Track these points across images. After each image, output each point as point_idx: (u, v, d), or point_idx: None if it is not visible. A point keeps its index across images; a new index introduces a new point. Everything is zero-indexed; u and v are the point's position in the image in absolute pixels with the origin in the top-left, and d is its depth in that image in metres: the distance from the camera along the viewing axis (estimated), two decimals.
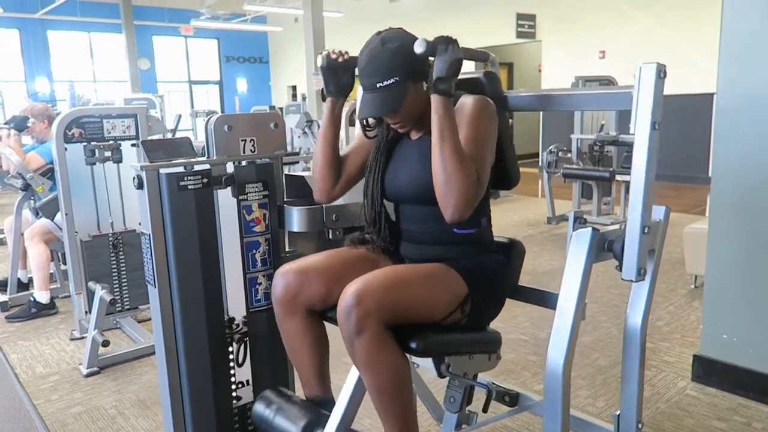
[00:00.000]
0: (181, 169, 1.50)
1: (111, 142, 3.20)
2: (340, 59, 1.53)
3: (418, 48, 1.31)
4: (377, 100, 1.40)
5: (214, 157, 1.56)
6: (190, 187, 1.48)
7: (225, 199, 1.61)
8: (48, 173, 3.63)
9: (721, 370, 2.47)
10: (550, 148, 5.61)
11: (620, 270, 1.28)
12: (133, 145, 3.30)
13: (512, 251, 1.58)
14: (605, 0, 8.84)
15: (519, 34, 9.72)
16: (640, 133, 1.24)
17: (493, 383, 1.63)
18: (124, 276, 3.36)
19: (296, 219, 1.66)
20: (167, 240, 1.49)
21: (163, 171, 1.47)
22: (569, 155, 5.79)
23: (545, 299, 1.52)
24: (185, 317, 1.52)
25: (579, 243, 1.25)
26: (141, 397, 2.58)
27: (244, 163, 1.63)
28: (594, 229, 1.25)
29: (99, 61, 13.58)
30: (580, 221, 1.33)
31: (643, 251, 1.23)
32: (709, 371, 2.51)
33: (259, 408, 1.54)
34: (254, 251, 1.63)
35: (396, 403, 1.35)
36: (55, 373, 2.86)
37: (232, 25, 13.64)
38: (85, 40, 13.39)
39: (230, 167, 1.61)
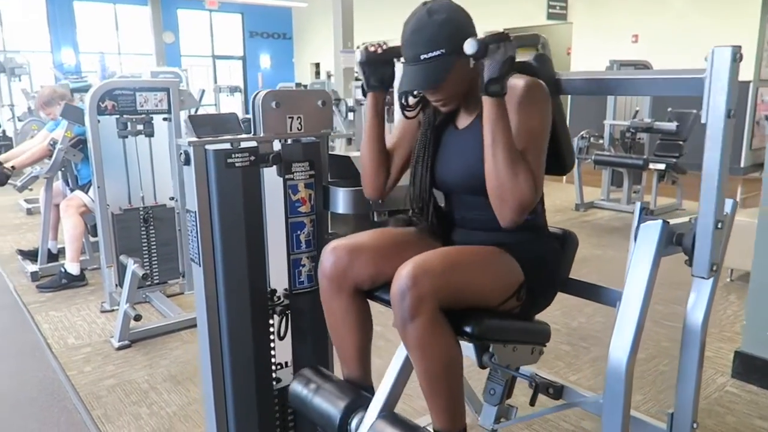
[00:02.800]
0: (227, 145, 1.46)
1: (143, 115, 3.18)
2: (379, 51, 1.46)
3: (469, 49, 1.21)
4: (419, 73, 1.31)
5: (261, 134, 1.51)
6: (237, 164, 1.44)
7: (269, 178, 1.57)
8: (78, 145, 3.62)
9: (763, 368, 2.40)
10: (582, 133, 5.49)
11: (689, 265, 1.22)
12: (165, 119, 3.28)
13: (565, 242, 1.53)
14: None
15: (550, 16, 9.50)
16: (713, 121, 1.17)
17: (536, 374, 1.59)
18: (154, 250, 3.37)
19: (342, 200, 1.62)
20: (213, 218, 1.45)
21: (210, 147, 1.42)
22: (600, 141, 5.66)
23: (601, 295, 1.47)
24: (229, 297, 1.49)
25: (647, 235, 1.19)
26: (172, 372, 2.59)
27: (289, 141, 1.58)
28: (664, 221, 1.19)
29: (124, 34, 13.57)
30: (645, 212, 1.28)
31: (716, 246, 1.17)
32: (751, 368, 2.44)
33: (297, 387, 1.51)
34: (299, 232, 1.59)
35: (445, 388, 1.31)
36: (87, 344, 2.88)
37: None
38: (111, 12, 13.37)
39: (276, 145, 1.56)
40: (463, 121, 1.46)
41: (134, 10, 13.23)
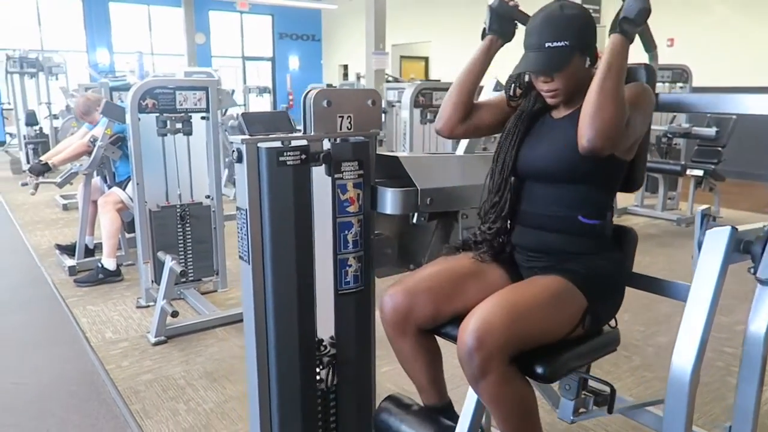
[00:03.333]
0: (278, 143, 1.45)
1: (182, 114, 3.21)
2: (512, 3, 1.55)
3: None
4: (542, 58, 1.38)
5: (312, 133, 1.50)
6: (289, 162, 1.44)
7: (317, 177, 1.56)
8: (117, 142, 3.68)
9: None
10: None
11: (754, 273, 1.18)
12: (203, 117, 3.31)
13: (625, 239, 1.50)
14: None
15: None
16: None
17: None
18: (190, 247, 3.39)
19: (390, 201, 1.60)
20: (263, 216, 1.45)
21: (262, 145, 1.42)
22: None
23: (669, 289, 1.44)
24: (277, 295, 1.48)
25: (714, 242, 1.16)
26: (208, 369, 2.60)
27: (338, 140, 1.57)
28: (733, 228, 1.15)
29: (157, 35, 13.79)
30: (708, 219, 1.24)
31: None
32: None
33: (382, 418, 1.62)
34: (346, 232, 1.58)
35: (525, 427, 1.33)
36: (124, 339, 2.91)
37: (287, 1, 13.63)
38: (145, 13, 13.60)
39: (325, 144, 1.56)
40: (560, 113, 1.50)
41: (167, 11, 13.43)
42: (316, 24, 16.03)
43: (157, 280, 3.26)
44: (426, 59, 14.70)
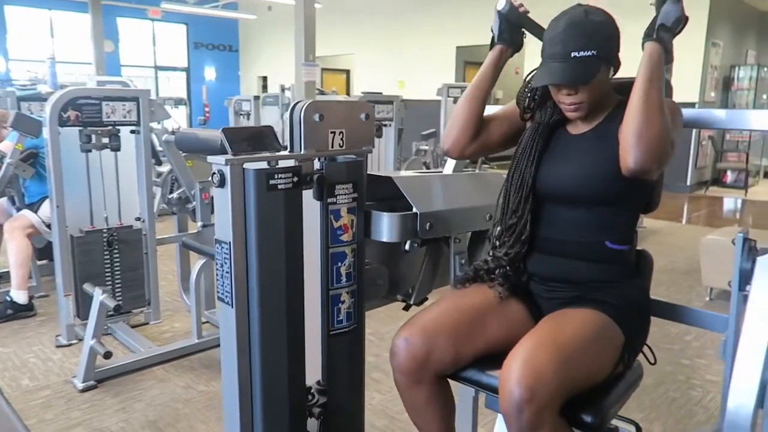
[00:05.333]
0: (264, 164, 1.24)
1: (109, 127, 2.87)
2: (521, 9, 1.44)
3: None
4: (568, 69, 1.25)
5: (302, 151, 1.30)
6: (280, 186, 1.23)
7: (304, 202, 1.36)
8: (29, 159, 3.25)
9: None
10: None
11: None
12: (132, 131, 2.98)
13: (643, 264, 1.40)
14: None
15: None
16: None
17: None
18: (119, 276, 3.04)
19: (387, 227, 1.43)
20: (249, 250, 1.23)
21: (248, 166, 1.20)
22: None
23: (698, 319, 1.36)
24: (265, 345, 1.26)
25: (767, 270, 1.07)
26: (150, 417, 2.29)
27: (328, 159, 1.38)
28: None
29: (59, 42, 12.79)
30: (749, 243, 1.16)
31: None
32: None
33: None
34: (340, 264, 1.38)
35: None
36: (45, 386, 2.52)
37: (202, 9, 13.08)
38: (46, 18, 12.59)
39: (315, 164, 1.36)
40: (578, 128, 1.39)
41: (71, 16, 12.51)
42: (233, 34, 15.54)
43: (81, 314, 2.88)
44: (348, 72, 14.62)
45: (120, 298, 3.03)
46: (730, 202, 8.21)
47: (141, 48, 14.17)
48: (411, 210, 1.48)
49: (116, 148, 2.92)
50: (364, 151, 1.43)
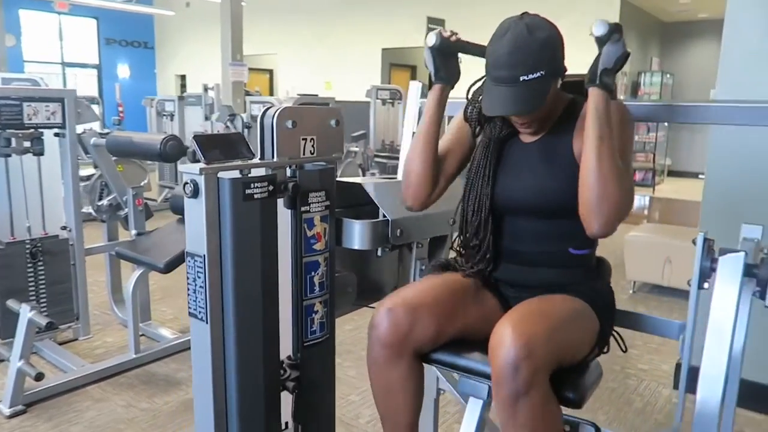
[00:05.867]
0: (236, 173, 1.19)
1: (31, 130, 2.66)
2: (453, 38, 1.35)
3: (597, 30, 1.15)
4: (519, 96, 1.20)
5: (275, 159, 1.26)
6: (256, 195, 1.18)
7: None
8: None
9: None
10: None
11: (761, 297, 1.19)
12: (57, 134, 2.78)
13: (601, 268, 1.45)
14: (510, 10, 9.09)
15: None
16: None
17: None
18: (44, 290, 2.82)
19: (358, 235, 1.41)
20: (224, 263, 1.17)
21: (223, 176, 1.15)
22: None
23: (659, 328, 1.41)
24: (241, 362, 1.21)
25: (730, 269, 1.15)
26: None
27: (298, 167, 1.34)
28: (746, 253, 1.15)
29: None
30: (709, 243, 1.24)
31: None
32: (693, 379, 2.57)
33: None
34: (313, 273, 1.35)
35: None
36: None
37: (114, 4, 12.44)
38: None
39: (286, 172, 1.32)
40: (530, 137, 1.36)
41: None
42: (148, 30, 14.86)
43: (2, 333, 2.66)
44: (271, 72, 14.37)
45: (46, 313, 2.81)
46: (639, 199, 8.77)
47: (46, 43, 13.26)
48: (377, 216, 1.48)
49: (39, 153, 2.71)
50: (334, 158, 1.40)
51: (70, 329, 3.00)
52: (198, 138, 1.15)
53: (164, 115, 6.61)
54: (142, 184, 3.09)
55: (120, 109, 13.20)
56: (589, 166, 1.16)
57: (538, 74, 1.20)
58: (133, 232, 2.89)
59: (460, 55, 1.42)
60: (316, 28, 11.45)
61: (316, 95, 6.10)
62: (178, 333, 3.07)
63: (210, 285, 1.16)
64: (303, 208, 1.31)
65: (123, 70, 14.64)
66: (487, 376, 1.20)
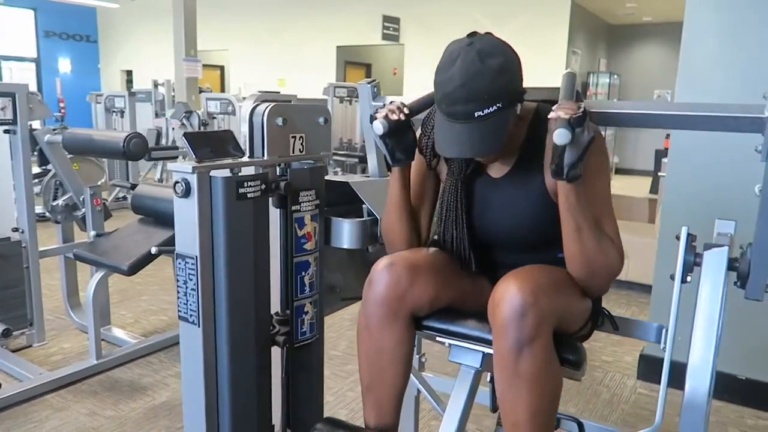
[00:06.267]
0: (227, 171, 1.15)
1: None
2: (402, 117, 1.23)
3: (560, 140, 1.02)
4: (476, 135, 1.11)
5: (266, 157, 1.23)
6: (249, 195, 1.15)
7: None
8: None
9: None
10: None
11: (742, 287, 1.24)
12: (6, 131, 2.64)
13: None
14: (465, 10, 9.22)
15: (384, 36, 9.81)
16: None
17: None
18: None
19: (348, 234, 1.39)
20: (215, 265, 1.14)
21: (216, 174, 1.11)
22: None
23: (637, 330, 1.45)
24: (234, 366, 1.17)
25: (715, 263, 1.19)
26: None
27: (295, 165, 1.32)
28: (729, 247, 1.20)
29: None
30: (692, 238, 1.28)
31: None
32: (655, 369, 2.67)
33: None
34: (303, 273, 1.32)
35: (547, 425, 1.14)
36: None
37: None
38: None
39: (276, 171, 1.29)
40: (498, 170, 1.29)
41: None
42: (90, 23, 14.28)
43: None
44: (222, 68, 14.07)
45: None
46: None
47: None
48: (362, 215, 1.47)
49: None
50: (323, 156, 1.38)
51: (24, 336, 2.85)
52: (189, 135, 1.11)
53: (114, 111, 6.36)
54: (99, 183, 2.95)
55: (61, 105, 12.65)
56: (573, 252, 1.15)
57: (495, 107, 1.10)
58: (92, 233, 2.77)
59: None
60: (269, 25, 11.28)
61: (278, 92, 6.00)
62: (140, 337, 2.97)
63: (202, 287, 1.12)
64: (294, 207, 1.28)
65: (64, 65, 14.03)
66: (483, 341, 1.18)
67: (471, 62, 1.09)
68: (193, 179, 1.08)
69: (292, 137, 1.29)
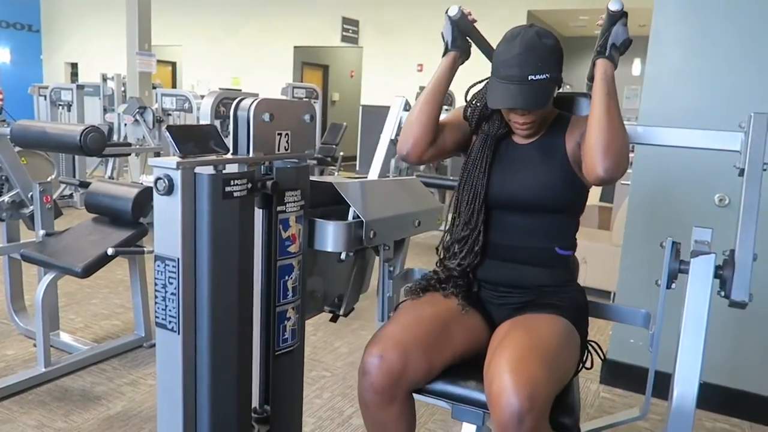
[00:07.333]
0: (210, 168, 1.09)
1: None
2: (471, 17, 1.44)
3: (614, 5, 1.27)
4: (527, 93, 1.28)
5: (251, 154, 1.16)
6: (235, 193, 1.08)
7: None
8: None
9: (627, 372, 2.68)
10: None
11: (727, 296, 1.26)
12: None
13: (575, 269, 1.48)
14: (423, 13, 9.25)
15: (343, 38, 9.76)
16: (752, 171, 1.27)
17: None
18: None
19: (332, 236, 1.33)
20: (198, 268, 1.06)
21: (201, 171, 1.04)
22: None
23: (628, 316, 1.46)
24: (215, 375, 1.10)
25: (702, 270, 1.20)
26: None
27: (278, 164, 1.25)
28: (715, 254, 1.21)
29: None
30: (677, 246, 1.29)
31: (750, 276, 1.23)
32: (617, 373, 2.71)
33: None
34: (287, 277, 1.26)
35: None
36: None
37: None
38: None
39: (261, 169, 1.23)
40: (524, 139, 1.43)
41: None
42: (32, 12, 13.64)
43: None
44: (174, 64, 13.69)
45: None
46: None
47: None
48: (346, 217, 1.42)
49: None
50: (307, 155, 1.32)
51: None
52: (171, 129, 1.03)
53: (60, 105, 6.06)
54: (49, 179, 2.79)
55: (0, 96, 12.03)
56: (598, 115, 1.25)
57: (545, 76, 1.28)
58: (41, 232, 2.60)
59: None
60: (225, 22, 11.05)
61: (239, 90, 5.86)
62: (91, 343, 2.81)
63: (183, 292, 1.05)
64: (279, 208, 1.22)
65: (3, 55, 13.35)
66: (483, 405, 1.21)
67: (530, 38, 1.30)
68: (177, 176, 1.01)
69: (278, 134, 1.23)
